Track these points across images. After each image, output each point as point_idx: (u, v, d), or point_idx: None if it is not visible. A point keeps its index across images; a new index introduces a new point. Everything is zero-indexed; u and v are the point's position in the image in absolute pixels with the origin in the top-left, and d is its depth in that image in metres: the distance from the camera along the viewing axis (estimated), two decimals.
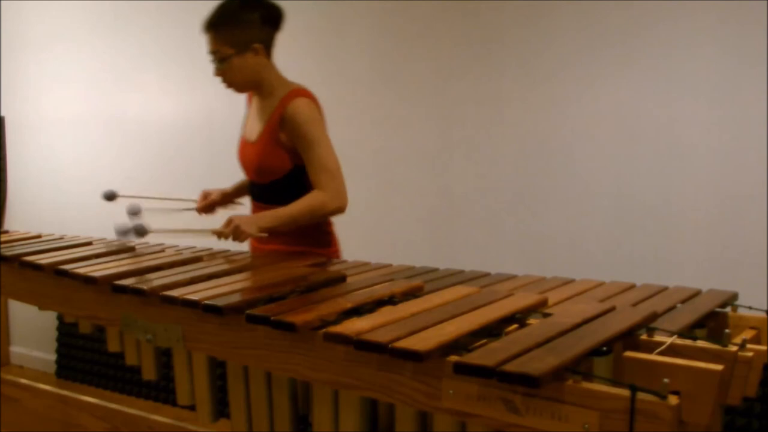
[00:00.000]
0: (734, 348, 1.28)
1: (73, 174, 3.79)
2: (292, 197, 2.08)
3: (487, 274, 1.92)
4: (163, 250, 2.25)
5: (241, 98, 2.37)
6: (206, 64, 2.15)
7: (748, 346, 1.29)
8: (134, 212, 2.25)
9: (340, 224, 2.26)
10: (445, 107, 2.80)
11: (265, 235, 2.05)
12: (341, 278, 1.80)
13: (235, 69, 2.10)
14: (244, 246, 2.20)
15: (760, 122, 2.26)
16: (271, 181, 2.13)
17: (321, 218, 2.12)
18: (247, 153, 2.18)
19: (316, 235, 2.21)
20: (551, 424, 1.15)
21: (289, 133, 2.07)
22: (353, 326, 1.39)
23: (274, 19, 2.14)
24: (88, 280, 1.86)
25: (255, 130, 2.17)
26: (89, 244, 2.37)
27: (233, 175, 2.41)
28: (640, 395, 1.09)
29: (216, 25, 2.08)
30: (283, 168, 2.11)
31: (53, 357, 3.98)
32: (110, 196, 2.34)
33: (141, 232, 2.11)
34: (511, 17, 2.63)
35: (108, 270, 1.91)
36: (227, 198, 2.43)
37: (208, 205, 2.41)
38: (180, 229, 2.14)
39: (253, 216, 2.13)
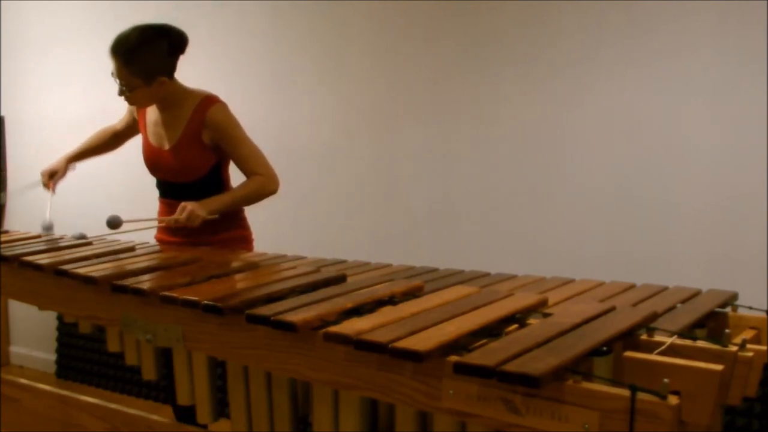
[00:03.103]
0: (734, 348, 1.28)
1: (73, 174, 3.79)
2: (209, 192, 2.30)
3: (487, 274, 1.92)
4: (163, 251, 2.25)
5: (240, 98, 2.37)
6: (206, 64, 2.16)
7: (748, 346, 1.29)
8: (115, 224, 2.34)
9: (340, 224, 2.26)
10: (445, 107, 2.80)
11: (216, 216, 2.25)
12: (341, 278, 1.80)
13: (142, 96, 2.26)
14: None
15: (760, 122, 2.26)
16: (194, 179, 2.32)
17: (260, 199, 2.32)
18: (164, 158, 2.34)
19: (232, 219, 2.39)
20: (551, 424, 1.15)
21: (212, 134, 2.27)
22: (353, 326, 1.39)
23: (179, 48, 2.28)
24: (88, 280, 1.86)
25: (168, 137, 2.33)
26: (89, 244, 2.37)
27: (232, 174, 2.41)
28: (640, 395, 1.09)
29: (123, 57, 2.17)
30: (208, 165, 2.31)
31: (53, 357, 3.98)
32: (114, 224, 2.34)
33: (115, 223, 2.28)
34: (511, 17, 2.63)
35: (108, 270, 1.91)
36: (69, 163, 2.63)
37: (56, 181, 2.60)
38: (145, 219, 2.37)
39: (202, 201, 2.25)
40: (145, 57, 2.19)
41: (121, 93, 2.24)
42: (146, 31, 2.21)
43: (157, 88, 2.23)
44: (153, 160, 2.38)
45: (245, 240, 2.44)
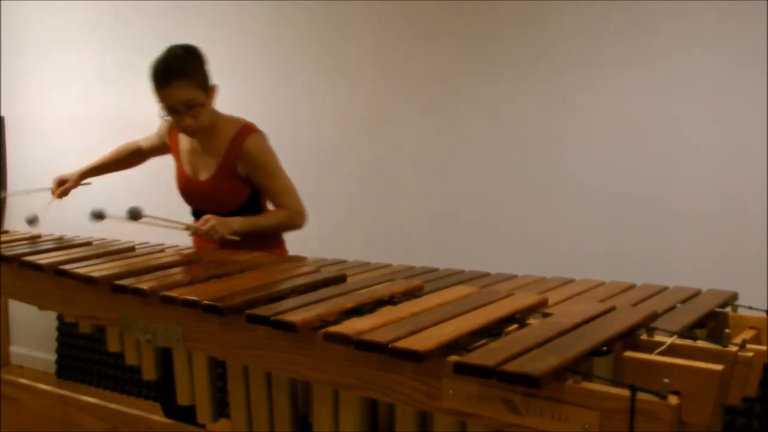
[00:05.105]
0: (734, 348, 1.28)
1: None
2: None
3: (487, 274, 1.92)
4: (163, 250, 2.25)
5: (240, 98, 2.37)
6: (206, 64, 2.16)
7: (748, 346, 1.29)
8: (98, 216, 2.40)
9: (340, 224, 2.26)
10: (445, 107, 2.80)
11: (236, 238, 2.21)
12: (341, 278, 1.80)
13: (205, 112, 2.19)
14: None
15: (760, 122, 2.26)
16: (228, 210, 2.27)
17: (284, 232, 2.36)
18: (199, 188, 2.31)
19: (269, 236, 2.36)
20: (551, 424, 1.15)
21: (247, 165, 2.25)
22: (353, 326, 1.39)
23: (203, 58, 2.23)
24: (88, 280, 1.86)
25: (204, 167, 2.29)
26: (89, 244, 2.37)
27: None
28: (640, 395, 1.09)
29: (185, 73, 2.11)
30: (241, 197, 2.29)
31: (53, 357, 3.98)
32: (135, 215, 2.32)
33: (135, 214, 2.29)
34: (511, 17, 2.63)
35: (108, 270, 1.91)
36: (83, 178, 2.59)
37: (65, 191, 2.55)
38: (162, 218, 2.29)
39: (227, 219, 2.22)
40: (197, 64, 2.16)
41: (181, 123, 2.16)
42: (178, 47, 2.17)
43: (212, 99, 2.21)
44: (188, 190, 2.35)
45: None
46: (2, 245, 2.29)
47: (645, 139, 2.44)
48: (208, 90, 2.19)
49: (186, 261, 2.06)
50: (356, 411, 1.43)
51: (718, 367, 1.17)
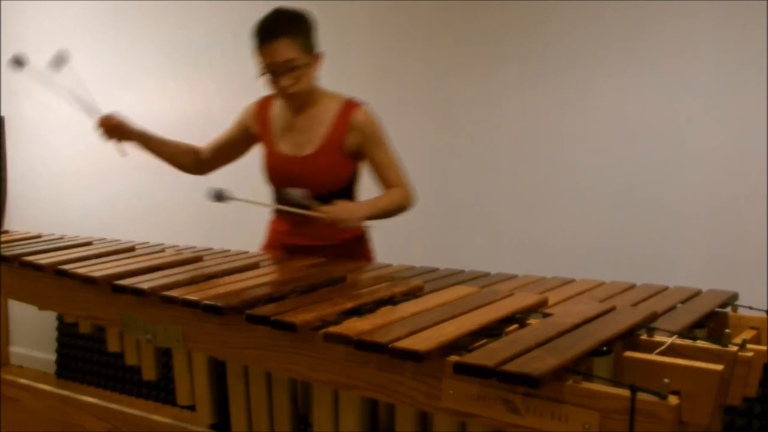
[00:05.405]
0: (734, 348, 1.28)
1: (73, 174, 3.79)
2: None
3: (487, 274, 1.92)
4: (163, 250, 2.25)
5: (239, 98, 2.37)
6: (206, 64, 2.15)
7: (748, 346, 1.29)
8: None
9: None
10: (445, 107, 2.80)
11: (365, 226, 2.10)
12: (341, 278, 1.80)
13: (307, 77, 2.06)
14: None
15: (760, 122, 2.26)
16: (329, 191, 2.11)
17: (398, 214, 2.15)
18: (299, 166, 2.12)
19: (358, 248, 2.22)
20: (551, 424, 1.15)
21: (357, 137, 2.11)
22: (353, 326, 1.39)
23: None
24: (88, 280, 1.86)
25: (306, 142, 2.13)
26: (89, 244, 2.37)
27: (232, 174, 2.41)
28: (640, 395, 1.09)
29: (289, 32, 2.00)
30: (344, 177, 2.14)
31: (53, 357, 3.98)
32: (219, 196, 2.10)
33: (220, 196, 2.08)
34: (511, 17, 2.63)
35: (108, 270, 1.91)
36: (136, 138, 2.29)
37: (113, 127, 2.29)
38: (257, 201, 2.12)
39: (355, 204, 2.10)
40: (303, 26, 2.04)
41: (279, 83, 2.03)
42: (286, 8, 2.05)
43: (317, 67, 2.08)
44: (284, 170, 2.15)
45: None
46: (2, 245, 2.29)
47: (645, 138, 2.44)
48: (312, 55, 2.06)
49: (186, 261, 2.06)
50: (356, 411, 1.43)
51: (718, 367, 1.17)
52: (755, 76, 2.25)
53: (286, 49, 2.00)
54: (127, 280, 1.80)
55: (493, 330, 1.39)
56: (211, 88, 3.09)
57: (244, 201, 2.10)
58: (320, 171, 2.11)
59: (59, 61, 2.26)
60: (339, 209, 2.01)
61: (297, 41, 2.01)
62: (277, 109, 2.20)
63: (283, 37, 1.99)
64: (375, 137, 2.12)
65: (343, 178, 2.14)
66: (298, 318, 1.44)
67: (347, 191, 2.17)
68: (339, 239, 2.16)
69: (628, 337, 1.34)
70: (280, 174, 2.16)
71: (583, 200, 2.56)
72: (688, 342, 1.31)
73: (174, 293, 1.66)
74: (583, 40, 2.51)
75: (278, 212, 2.23)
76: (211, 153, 2.34)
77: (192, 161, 2.35)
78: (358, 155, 2.14)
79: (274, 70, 2.03)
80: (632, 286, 1.76)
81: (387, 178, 2.14)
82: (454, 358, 1.24)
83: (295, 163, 2.13)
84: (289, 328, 1.44)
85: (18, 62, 2.21)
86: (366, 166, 2.18)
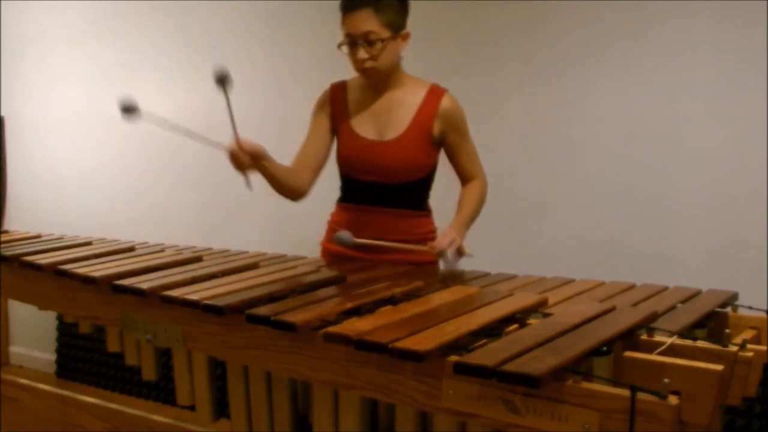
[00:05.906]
0: (734, 348, 1.28)
1: (73, 174, 3.79)
2: (422, 196, 2.12)
3: (487, 274, 1.92)
4: (163, 250, 2.25)
5: (239, 98, 2.36)
6: (206, 64, 2.15)
7: (748, 346, 1.29)
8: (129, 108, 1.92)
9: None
10: None
11: (472, 255, 2.00)
12: (341, 278, 1.80)
13: (387, 53, 1.97)
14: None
15: (760, 122, 2.26)
16: (410, 180, 2.06)
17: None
18: (381, 151, 2.03)
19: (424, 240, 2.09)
20: (551, 424, 1.15)
21: (445, 124, 2.04)
22: (353, 326, 1.39)
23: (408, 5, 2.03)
24: (88, 280, 1.86)
25: (390, 125, 2.04)
26: (89, 244, 2.37)
27: (232, 174, 2.40)
28: (640, 395, 1.09)
29: (373, 4, 1.91)
30: (429, 164, 2.08)
31: (53, 357, 3.98)
32: (128, 109, 1.91)
33: (345, 241, 1.97)
34: (511, 17, 2.63)
35: (108, 270, 1.91)
36: (255, 163, 1.96)
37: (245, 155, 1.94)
38: (393, 245, 2.00)
39: (455, 228, 2.02)
40: (396, 3, 1.95)
41: (359, 54, 1.94)
42: None
43: (400, 45, 1.99)
44: (363, 156, 2.04)
45: None
46: (2, 245, 2.29)
47: (645, 138, 2.44)
48: (396, 33, 1.96)
49: (186, 261, 2.06)
50: (356, 411, 1.43)
51: (718, 367, 1.17)
52: (755, 76, 2.26)
53: (366, 21, 1.92)
54: (127, 280, 1.80)
55: (493, 330, 1.39)
56: (211, 87, 3.07)
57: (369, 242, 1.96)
58: (404, 156, 2.03)
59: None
60: (455, 237, 1.96)
61: (380, 15, 1.92)
62: (355, 92, 2.11)
63: (366, 7, 1.91)
64: (462, 126, 2.08)
65: (423, 168, 2.07)
66: (298, 318, 1.44)
67: (427, 182, 2.11)
68: (409, 234, 2.08)
69: (628, 337, 1.34)
70: (360, 159, 2.05)
71: (583, 200, 2.56)
72: (688, 342, 1.31)
73: (174, 293, 1.66)
74: (583, 40, 2.51)
75: (343, 208, 2.15)
76: (310, 161, 2.13)
77: (306, 178, 2.13)
78: (440, 143, 2.08)
79: (352, 41, 1.95)
80: (632, 286, 1.76)
81: (470, 168, 2.11)
82: (454, 358, 1.24)
83: (375, 148, 2.04)
84: (289, 328, 1.44)
85: (129, 109, 1.97)
86: (447, 153, 2.11)
